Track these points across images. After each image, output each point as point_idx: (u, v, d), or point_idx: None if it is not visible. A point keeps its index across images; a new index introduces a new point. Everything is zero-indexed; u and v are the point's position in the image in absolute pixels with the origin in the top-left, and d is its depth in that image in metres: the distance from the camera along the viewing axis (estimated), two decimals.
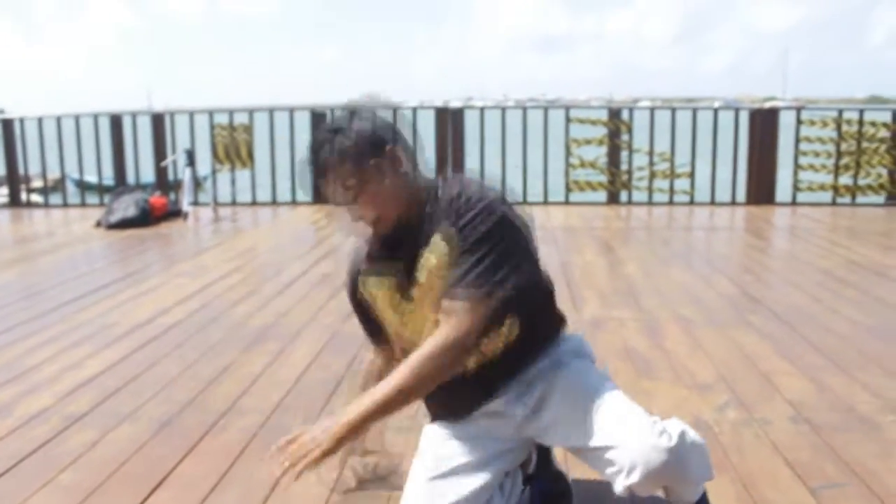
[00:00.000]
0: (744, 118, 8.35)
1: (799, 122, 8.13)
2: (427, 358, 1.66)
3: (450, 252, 1.70)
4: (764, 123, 8.30)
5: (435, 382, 1.70)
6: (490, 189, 1.77)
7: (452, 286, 1.68)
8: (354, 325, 3.99)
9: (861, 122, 8.11)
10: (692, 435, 1.73)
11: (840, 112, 8.21)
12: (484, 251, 1.67)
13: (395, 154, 1.80)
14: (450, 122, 8.56)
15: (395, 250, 1.82)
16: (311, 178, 1.82)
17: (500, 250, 1.68)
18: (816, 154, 8.20)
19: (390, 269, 1.83)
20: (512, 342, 1.80)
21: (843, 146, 8.14)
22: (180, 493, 2.26)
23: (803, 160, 8.18)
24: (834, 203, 8.21)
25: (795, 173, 8.19)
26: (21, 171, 8.97)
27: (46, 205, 9.17)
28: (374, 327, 1.99)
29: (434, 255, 1.72)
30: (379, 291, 1.86)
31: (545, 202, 8.47)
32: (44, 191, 9.39)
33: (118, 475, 2.38)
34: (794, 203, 8.24)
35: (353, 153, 1.76)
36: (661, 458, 1.64)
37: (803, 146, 8.17)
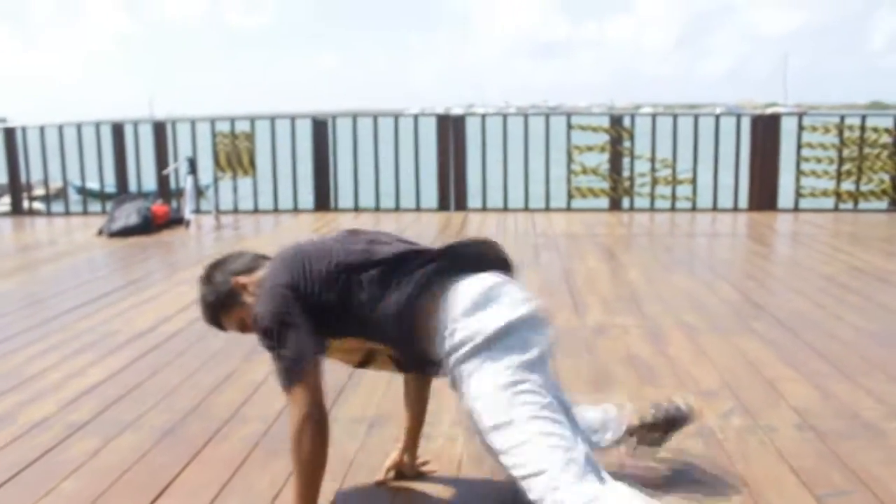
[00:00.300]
0: (745, 124, 8.36)
1: (801, 127, 8.13)
2: (295, 449, 1.89)
3: None
4: (766, 129, 8.30)
5: (316, 456, 1.90)
6: (271, 279, 2.00)
7: None
8: None
9: (863, 128, 8.11)
10: None
11: (842, 118, 8.21)
12: (274, 355, 1.95)
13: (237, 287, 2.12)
14: (451, 129, 8.56)
15: None
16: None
17: (279, 345, 1.93)
18: (818, 160, 8.19)
19: None
20: (394, 340, 2.00)
21: (846, 152, 8.14)
22: (182, 502, 2.25)
23: (805, 166, 8.18)
24: (836, 209, 8.21)
25: (798, 179, 8.19)
26: (23, 179, 8.98)
27: (48, 213, 9.17)
28: None
29: None
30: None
31: (547, 209, 8.47)
32: (46, 199, 9.40)
33: (120, 483, 2.37)
34: (796, 209, 8.23)
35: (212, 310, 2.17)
36: None
37: (805, 152, 8.16)
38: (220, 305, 2.12)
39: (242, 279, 2.10)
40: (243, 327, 2.12)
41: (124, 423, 2.83)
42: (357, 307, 1.95)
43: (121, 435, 2.72)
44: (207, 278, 2.15)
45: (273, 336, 1.92)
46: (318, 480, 1.92)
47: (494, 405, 1.80)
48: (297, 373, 1.90)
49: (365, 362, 2.17)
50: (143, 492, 2.31)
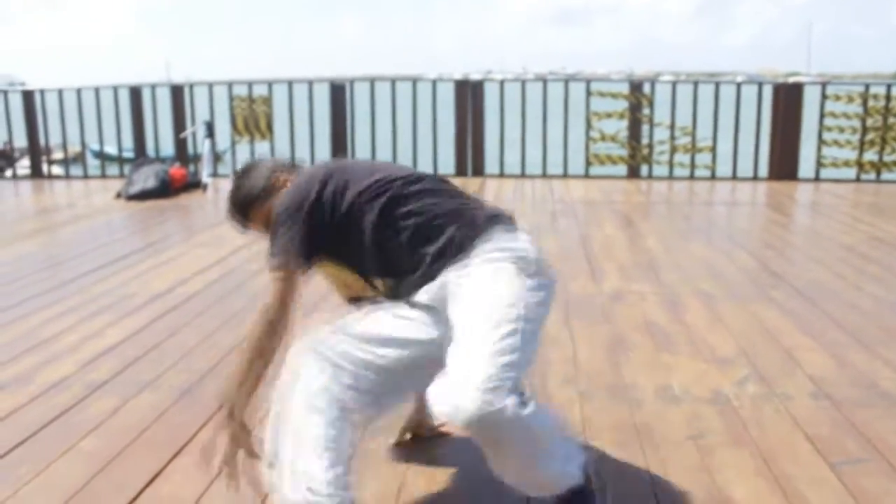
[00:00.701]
0: (767, 92, 8.23)
1: (824, 96, 8.00)
2: (249, 329, 1.94)
3: None
4: (788, 98, 8.18)
5: (259, 346, 1.89)
6: (304, 180, 2.01)
7: None
8: None
9: (888, 98, 7.97)
10: (537, 423, 1.64)
11: (867, 87, 8.08)
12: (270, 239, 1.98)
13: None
14: (470, 94, 8.50)
15: None
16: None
17: (275, 233, 1.96)
18: (841, 129, 8.07)
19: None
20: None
21: (869, 122, 8.01)
22: (200, 460, 2.27)
23: (827, 136, 8.06)
24: (858, 179, 8.10)
25: (819, 149, 8.08)
26: (42, 142, 9.01)
27: (67, 176, 9.21)
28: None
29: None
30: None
31: (565, 175, 8.42)
32: (64, 162, 9.44)
33: (139, 442, 2.40)
34: (817, 179, 8.13)
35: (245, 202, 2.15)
36: (466, 412, 1.58)
37: (828, 121, 8.04)
38: (255, 198, 2.09)
39: (283, 176, 2.10)
40: (267, 223, 2.04)
41: (142, 382, 2.86)
42: (370, 241, 1.93)
43: (139, 394, 2.75)
44: (246, 171, 2.15)
45: (275, 222, 1.95)
46: (255, 367, 1.89)
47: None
48: (276, 262, 1.92)
49: (358, 299, 2.19)
50: (161, 450, 2.33)
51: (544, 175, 8.48)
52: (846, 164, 8.14)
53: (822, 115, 8.02)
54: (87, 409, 2.64)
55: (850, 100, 8.05)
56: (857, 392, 2.73)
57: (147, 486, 2.14)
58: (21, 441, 2.41)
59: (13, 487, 2.14)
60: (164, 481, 2.17)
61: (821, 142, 8.06)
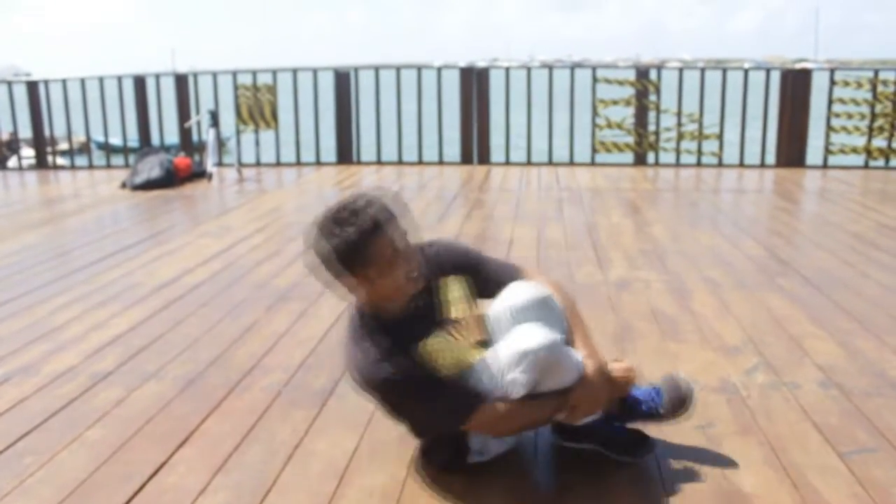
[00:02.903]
0: (775, 79, 8.16)
1: (832, 82, 7.93)
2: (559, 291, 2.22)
3: (464, 275, 2.14)
4: (796, 84, 8.11)
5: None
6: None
7: (507, 269, 2.25)
8: None
9: None
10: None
11: (876, 72, 8.00)
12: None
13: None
14: (475, 82, 8.45)
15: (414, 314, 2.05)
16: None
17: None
18: (850, 116, 8.00)
19: (433, 325, 2.05)
20: None
21: (878, 108, 7.94)
22: (205, 451, 2.27)
23: (836, 122, 7.99)
24: (867, 166, 8.04)
25: (827, 135, 8.01)
26: (46, 133, 9.00)
27: (72, 166, 9.21)
28: None
29: (454, 288, 2.11)
30: (441, 344, 2.02)
31: (571, 163, 8.38)
32: (69, 153, 9.43)
33: (144, 432, 2.40)
34: (825, 166, 8.07)
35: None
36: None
37: (836, 108, 7.97)
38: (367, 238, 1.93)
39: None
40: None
41: (147, 373, 2.85)
42: None
43: (144, 385, 2.75)
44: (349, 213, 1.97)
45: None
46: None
47: None
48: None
49: None
50: (166, 441, 2.33)
51: (550, 163, 8.45)
52: (854, 150, 8.07)
53: (830, 102, 7.95)
54: (92, 399, 2.64)
55: (859, 86, 7.98)
56: (866, 381, 2.71)
57: (152, 476, 2.14)
58: (27, 431, 2.41)
59: (19, 478, 2.14)
60: (168, 472, 2.17)
61: (829, 128, 7.99)
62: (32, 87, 8.91)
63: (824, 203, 6.49)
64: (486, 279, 2.17)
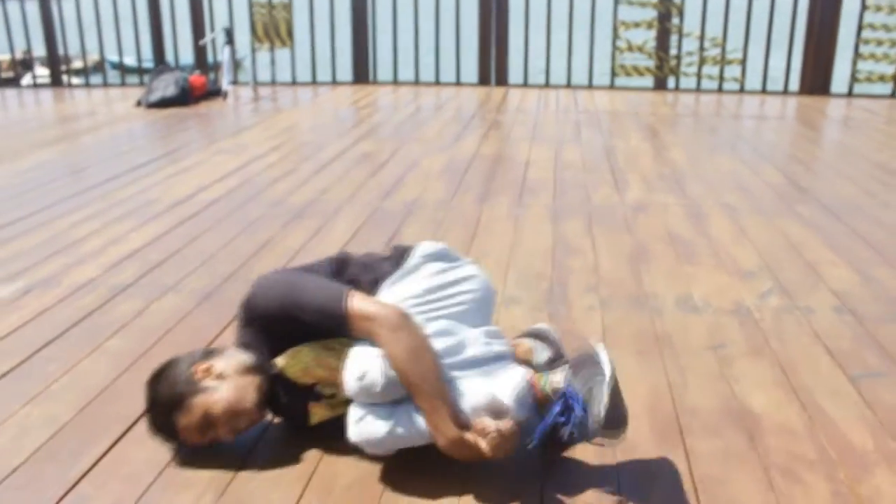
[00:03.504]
0: (803, 2, 7.92)
1: (864, 7, 7.69)
2: (402, 357, 1.73)
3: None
4: (825, 8, 7.87)
5: (419, 344, 1.75)
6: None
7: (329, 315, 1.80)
8: (394, 203, 4.00)
9: None
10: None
11: None
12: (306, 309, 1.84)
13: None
14: (493, 2, 8.27)
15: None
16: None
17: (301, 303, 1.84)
18: (879, 42, 7.78)
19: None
20: None
21: None
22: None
23: (864, 49, 7.78)
24: (893, 95, 7.86)
25: (854, 62, 7.81)
26: (60, 51, 8.91)
27: (87, 84, 9.15)
28: None
29: (290, 366, 1.83)
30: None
31: (590, 86, 8.26)
32: (84, 72, 9.35)
33: (163, 342, 2.44)
34: (850, 94, 7.90)
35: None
36: None
37: (866, 33, 7.75)
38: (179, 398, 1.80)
39: (202, 364, 1.85)
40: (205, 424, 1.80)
41: (166, 286, 2.89)
42: None
43: (163, 297, 2.79)
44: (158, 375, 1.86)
45: (290, 304, 1.80)
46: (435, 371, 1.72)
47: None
48: (336, 294, 1.78)
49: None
50: (185, 350, 2.36)
51: (569, 85, 8.32)
52: (882, 78, 7.89)
53: (860, 28, 7.73)
54: (112, 310, 2.68)
55: (893, 10, 7.74)
56: (880, 307, 2.71)
57: None
58: (50, 340, 2.46)
59: (44, 383, 2.19)
60: None
61: (857, 55, 7.79)
62: (45, 3, 8.78)
63: (848, 131, 6.38)
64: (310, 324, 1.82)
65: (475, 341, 1.82)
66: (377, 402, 1.72)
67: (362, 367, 1.70)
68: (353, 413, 1.74)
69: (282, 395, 1.85)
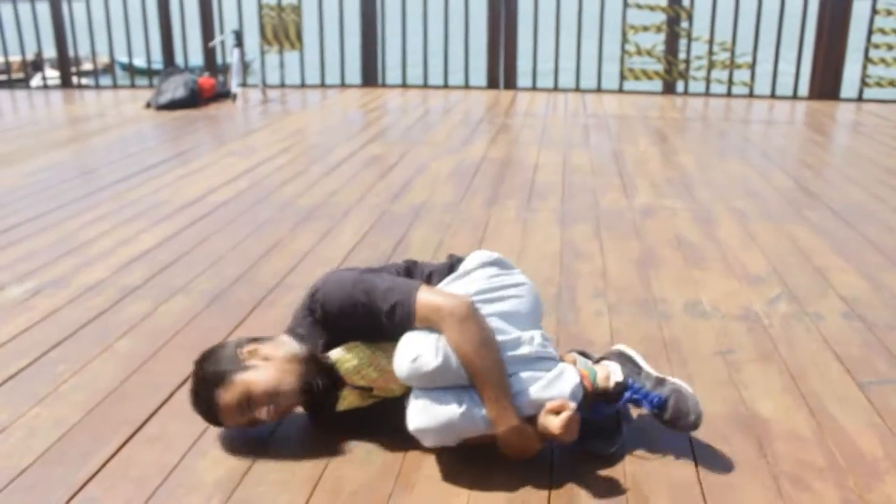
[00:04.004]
0: (813, 7, 7.89)
1: (874, 11, 7.66)
2: (471, 346, 1.79)
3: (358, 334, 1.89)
4: (834, 12, 7.85)
5: (487, 337, 1.82)
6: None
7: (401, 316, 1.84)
8: (402, 206, 4.01)
9: None
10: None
11: None
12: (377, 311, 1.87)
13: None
14: (503, 4, 8.27)
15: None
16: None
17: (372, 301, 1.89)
18: (890, 47, 7.75)
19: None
20: None
21: None
22: None
23: (874, 53, 7.75)
24: None
25: (864, 67, 7.79)
26: (70, 53, 8.95)
27: (97, 86, 9.19)
28: None
29: (345, 361, 1.87)
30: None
31: (598, 90, 8.25)
32: (94, 74, 9.39)
33: (172, 344, 2.45)
34: (860, 99, 7.88)
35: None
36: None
37: (876, 38, 7.72)
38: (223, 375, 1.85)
39: (250, 346, 1.90)
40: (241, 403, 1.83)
41: (174, 287, 2.90)
42: None
43: (172, 299, 2.80)
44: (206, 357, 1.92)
45: (361, 292, 1.83)
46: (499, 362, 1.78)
47: None
48: (408, 293, 1.81)
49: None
50: (193, 352, 2.34)
51: (577, 89, 8.32)
52: (892, 83, 7.86)
53: (870, 32, 7.70)
54: (121, 311, 2.69)
55: None
56: (890, 314, 2.70)
57: (179, 387, 2.18)
58: (59, 341, 2.47)
59: (54, 384, 2.20)
60: None
61: (867, 59, 7.76)
62: (56, 5, 8.82)
63: (857, 136, 6.36)
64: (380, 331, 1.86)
65: (531, 340, 1.87)
66: (427, 387, 1.77)
67: (417, 349, 1.75)
68: (415, 402, 1.78)
69: (321, 382, 1.88)
